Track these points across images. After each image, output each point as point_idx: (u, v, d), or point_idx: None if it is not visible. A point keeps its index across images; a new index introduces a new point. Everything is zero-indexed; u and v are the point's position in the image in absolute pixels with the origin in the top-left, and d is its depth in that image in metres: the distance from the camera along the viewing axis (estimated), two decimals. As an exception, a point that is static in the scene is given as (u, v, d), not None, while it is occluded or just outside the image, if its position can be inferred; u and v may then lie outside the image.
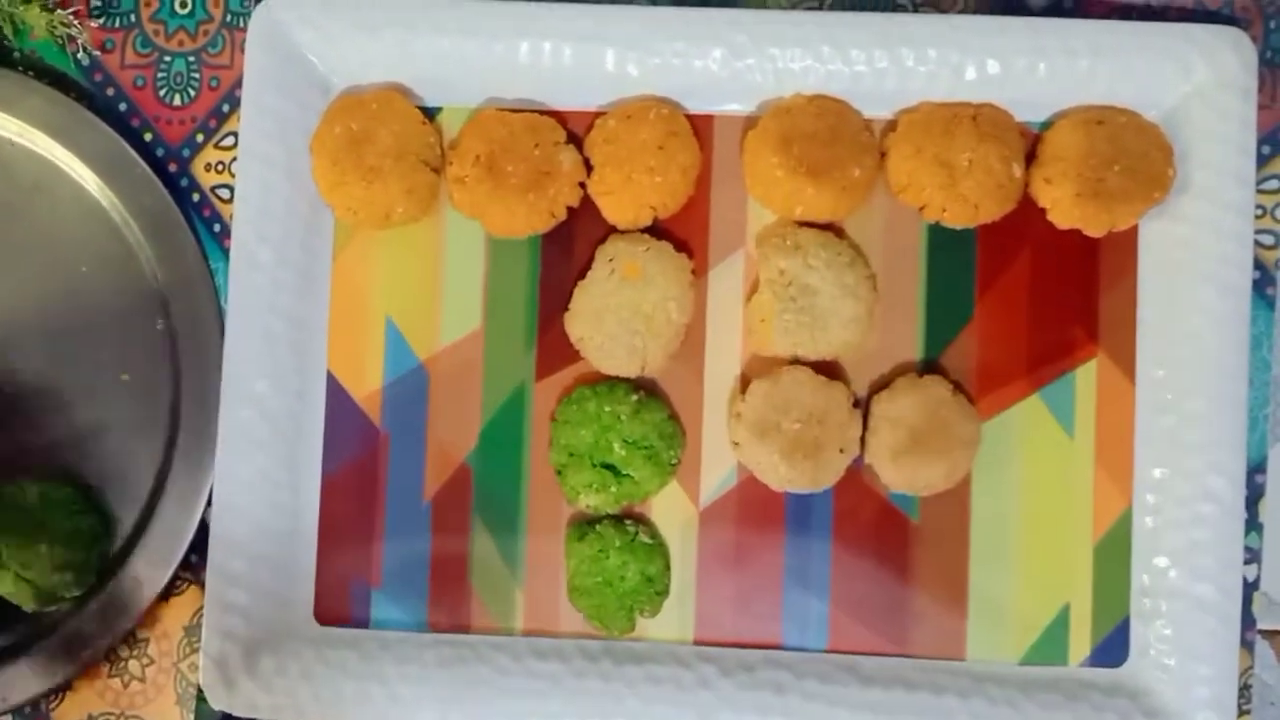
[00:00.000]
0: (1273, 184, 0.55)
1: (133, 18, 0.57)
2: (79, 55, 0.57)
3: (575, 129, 0.54)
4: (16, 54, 0.58)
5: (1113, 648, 0.53)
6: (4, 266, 0.57)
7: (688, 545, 0.53)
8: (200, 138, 0.57)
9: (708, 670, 0.52)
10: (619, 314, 0.52)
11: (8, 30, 0.57)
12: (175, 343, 0.55)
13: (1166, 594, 0.52)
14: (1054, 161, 0.51)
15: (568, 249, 0.54)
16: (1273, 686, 0.56)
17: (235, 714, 0.52)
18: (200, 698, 0.54)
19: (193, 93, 0.57)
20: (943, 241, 0.54)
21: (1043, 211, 0.53)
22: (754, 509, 0.53)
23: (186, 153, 0.57)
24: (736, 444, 0.52)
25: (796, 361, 0.52)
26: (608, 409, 0.52)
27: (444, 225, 0.55)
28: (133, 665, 0.56)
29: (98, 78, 0.58)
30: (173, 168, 0.57)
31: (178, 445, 0.55)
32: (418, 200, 0.53)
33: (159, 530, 0.55)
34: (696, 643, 0.53)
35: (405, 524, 0.54)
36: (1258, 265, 0.54)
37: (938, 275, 0.54)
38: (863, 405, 0.53)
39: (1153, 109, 0.52)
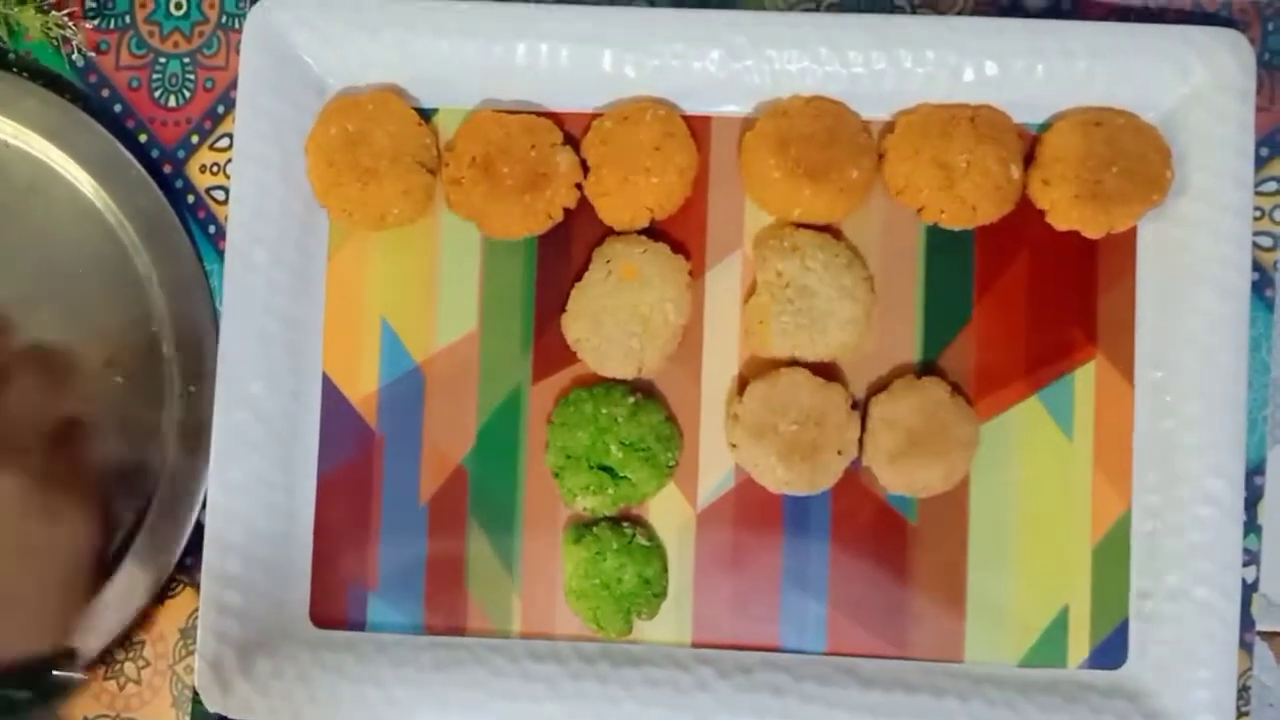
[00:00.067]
0: (1271, 186, 0.54)
1: (128, 19, 0.57)
2: (74, 57, 0.57)
3: (572, 130, 0.54)
4: (11, 55, 0.58)
5: (1111, 650, 0.52)
6: (-1, 268, 0.57)
7: (685, 547, 0.53)
8: (195, 139, 0.57)
9: (705, 673, 0.52)
10: (616, 316, 0.52)
11: (2, 32, 0.57)
12: (170, 344, 0.55)
13: (1165, 596, 0.52)
14: (1052, 163, 0.51)
15: (564, 250, 0.54)
16: (1271, 688, 0.56)
17: (231, 716, 0.52)
18: (196, 700, 0.54)
19: (188, 94, 0.57)
20: (941, 243, 0.54)
21: (1041, 213, 0.52)
22: (752, 511, 0.53)
23: (181, 154, 0.57)
24: (734, 446, 0.52)
25: (794, 363, 0.52)
26: (605, 411, 0.52)
27: (440, 227, 0.55)
28: (128, 668, 0.56)
29: (93, 79, 0.57)
30: (168, 169, 0.57)
31: (172, 447, 0.55)
32: (413, 202, 0.53)
33: (154, 532, 0.54)
34: (694, 645, 0.53)
35: (402, 526, 0.54)
36: (1256, 267, 0.53)
37: (936, 277, 0.54)
38: (861, 407, 0.53)
39: (1151, 111, 0.52)
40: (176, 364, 0.55)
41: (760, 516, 0.53)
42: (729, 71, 0.53)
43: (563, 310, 0.53)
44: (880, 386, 0.53)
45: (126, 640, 0.56)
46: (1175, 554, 0.51)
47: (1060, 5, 0.55)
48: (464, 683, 0.52)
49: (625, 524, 0.53)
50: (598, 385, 0.53)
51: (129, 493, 0.55)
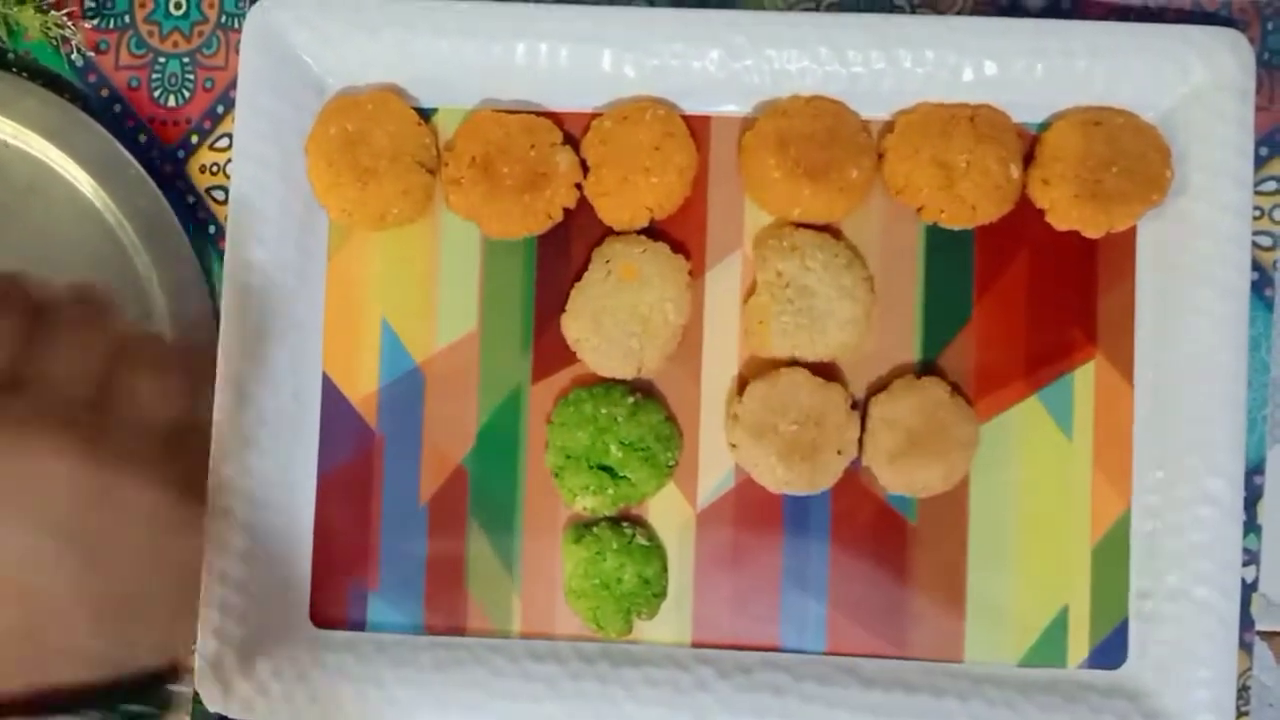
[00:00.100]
0: (1270, 185, 0.54)
1: (127, 19, 0.57)
2: (73, 57, 0.57)
3: (572, 130, 0.54)
4: (10, 55, 0.58)
5: (1111, 649, 0.52)
6: (-2, 268, 0.57)
7: (685, 547, 0.53)
8: (195, 139, 0.57)
9: (705, 672, 0.52)
10: (615, 316, 0.52)
11: (2, 31, 0.57)
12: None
13: (1165, 596, 0.52)
14: (1052, 163, 0.51)
15: (564, 250, 0.54)
16: (1271, 688, 0.56)
17: (231, 716, 0.52)
18: (196, 700, 0.54)
19: (187, 94, 0.57)
20: (940, 243, 0.54)
21: (1041, 213, 0.52)
22: (751, 511, 0.53)
23: (181, 154, 0.57)
24: (734, 446, 0.52)
25: (794, 363, 0.52)
26: (604, 411, 0.52)
27: (439, 227, 0.55)
28: (128, 668, 0.56)
29: (92, 79, 0.57)
30: (167, 169, 0.57)
31: (173, 448, 0.55)
32: (413, 201, 0.53)
33: (154, 533, 0.55)
34: (694, 645, 0.53)
35: (402, 526, 0.54)
36: (1256, 266, 0.53)
37: (935, 277, 0.54)
38: (860, 407, 0.53)
39: (1150, 110, 0.52)
40: (176, 364, 0.55)
41: (760, 516, 0.53)
42: (728, 71, 0.53)
43: (562, 310, 0.53)
44: (880, 386, 0.53)
45: (126, 640, 0.56)
46: (1175, 554, 0.51)
47: (1060, 5, 0.55)
48: (464, 682, 0.52)
49: (625, 524, 0.53)
50: (597, 385, 0.53)
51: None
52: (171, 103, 0.57)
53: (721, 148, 0.54)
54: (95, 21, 0.57)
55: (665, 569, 0.53)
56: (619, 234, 0.53)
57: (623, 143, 0.52)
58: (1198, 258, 0.51)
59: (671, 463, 0.53)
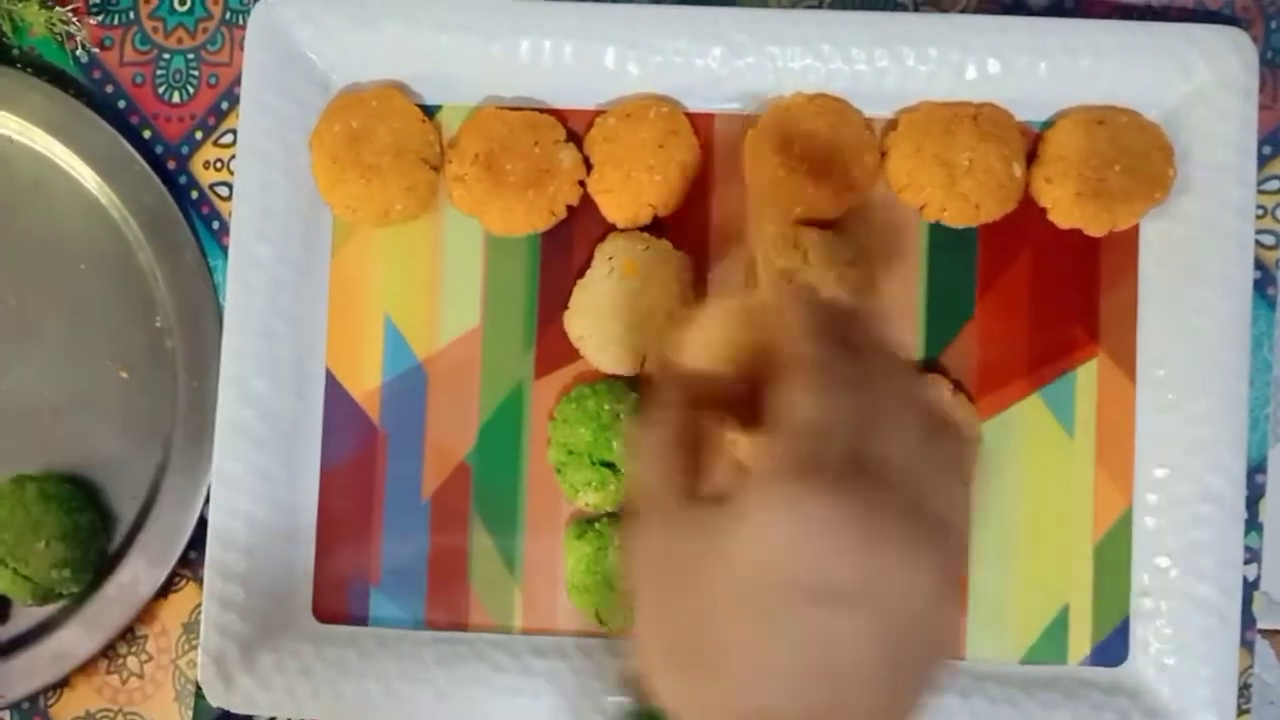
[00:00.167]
0: (1273, 184, 0.54)
1: (131, 15, 0.57)
2: (78, 52, 0.57)
3: (575, 127, 0.54)
4: (15, 51, 0.58)
5: (1113, 647, 0.53)
6: (2, 263, 0.57)
7: (687, 544, 0.53)
8: (199, 135, 0.57)
9: (706, 669, 0.52)
10: (618, 312, 0.52)
11: (6, 27, 0.57)
12: (173, 340, 0.55)
13: (1166, 594, 0.52)
14: (1055, 161, 0.51)
15: (567, 247, 0.54)
16: (1272, 686, 0.56)
17: (234, 711, 0.52)
18: (199, 695, 0.54)
19: (192, 90, 0.57)
20: (943, 241, 0.54)
21: (1043, 211, 0.52)
22: (753, 508, 0.53)
23: (185, 150, 0.57)
24: (734, 442, 0.52)
25: (796, 360, 0.52)
26: (607, 407, 0.52)
27: (443, 223, 0.55)
28: (131, 662, 0.56)
29: (96, 75, 0.57)
30: (171, 165, 0.57)
31: (176, 442, 0.55)
32: (417, 198, 0.53)
33: (157, 527, 0.55)
34: (695, 642, 0.53)
35: (404, 522, 0.54)
36: (1258, 265, 0.54)
37: (938, 275, 0.54)
38: (862, 404, 0.53)
39: (1153, 109, 0.52)
40: (180, 359, 0.55)
41: (762, 513, 0.53)
42: (732, 69, 0.53)
43: (565, 307, 0.53)
44: (882, 384, 0.53)
45: (129, 635, 0.56)
46: (1177, 551, 0.52)
47: (1063, 3, 0.55)
48: (465, 678, 0.52)
49: (627, 520, 0.53)
50: (600, 381, 0.53)
51: (132, 488, 0.56)
52: (176, 99, 0.57)
53: (724, 145, 0.54)
54: (100, 18, 0.57)
55: (667, 565, 0.53)
56: (622, 231, 0.54)
57: (626, 140, 0.52)
58: (1200, 256, 0.51)
59: (674, 459, 0.53)
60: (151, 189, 0.55)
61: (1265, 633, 0.55)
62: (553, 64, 0.53)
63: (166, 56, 0.57)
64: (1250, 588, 0.53)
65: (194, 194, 0.57)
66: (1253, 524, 0.53)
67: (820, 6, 0.55)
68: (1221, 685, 0.50)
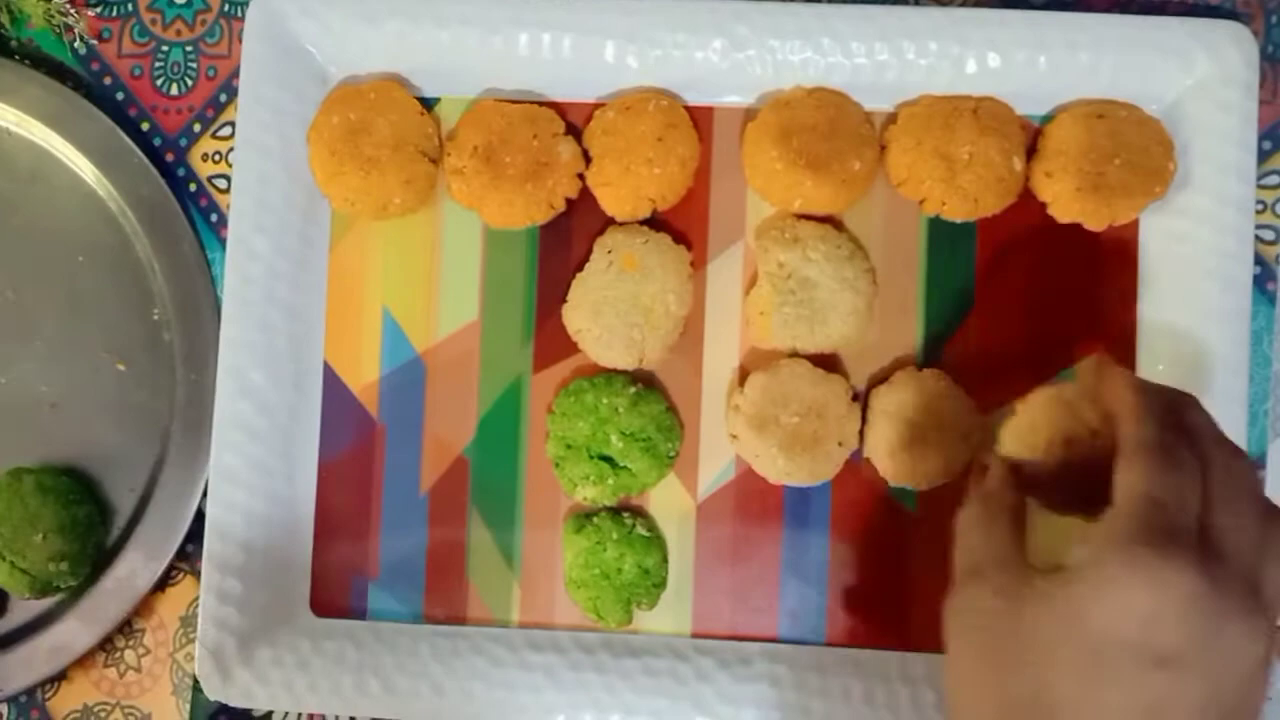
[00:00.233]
0: (1273, 179, 0.54)
1: (130, 7, 0.57)
2: (76, 44, 0.57)
3: (574, 120, 0.54)
4: (14, 43, 0.58)
5: (1110, 643, 0.52)
6: (0, 255, 0.57)
7: (685, 538, 0.53)
8: (197, 127, 0.57)
9: (705, 663, 0.52)
10: (617, 306, 0.52)
11: (5, 19, 0.57)
12: (171, 332, 0.55)
13: (1164, 589, 0.52)
14: (1054, 155, 0.51)
15: (566, 241, 0.54)
16: (1272, 684, 0.56)
17: (231, 704, 0.52)
18: (196, 688, 0.54)
19: (190, 82, 0.57)
20: (943, 235, 0.53)
21: (1043, 205, 0.52)
22: (752, 502, 0.53)
23: (184, 142, 0.57)
24: (735, 437, 0.52)
25: (795, 354, 0.52)
26: (605, 401, 0.52)
27: (441, 216, 0.55)
28: (129, 655, 0.56)
29: (95, 67, 0.57)
30: (170, 157, 0.57)
31: (173, 435, 0.55)
32: (415, 191, 0.53)
33: (155, 520, 0.55)
34: (694, 635, 0.53)
35: (402, 516, 0.54)
36: (1258, 260, 0.53)
37: (937, 269, 0.54)
38: (861, 399, 0.53)
39: (1154, 103, 0.52)
40: (178, 352, 0.55)
41: (760, 507, 0.53)
42: (731, 62, 0.53)
43: (564, 300, 0.53)
44: (881, 378, 0.53)
45: (127, 628, 0.56)
46: (1175, 547, 0.51)
47: (1063, -3, 0.55)
48: (464, 672, 0.52)
49: (625, 514, 0.53)
50: (598, 375, 0.53)
51: (130, 480, 0.56)
52: (174, 91, 0.57)
53: (724, 138, 0.54)
54: (98, 9, 0.57)
55: (665, 559, 0.53)
56: (621, 224, 0.53)
57: (625, 133, 0.52)
58: (1200, 251, 0.51)
59: (672, 453, 0.53)
60: (149, 181, 0.55)
61: (1264, 628, 0.55)
62: (552, 57, 0.53)
63: (165, 49, 0.57)
64: (1249, 583, 0.53)
65: (192, 186, 0.57)
66: (1251, 519, 0.53)
67: (820, 0, 0.55)
68: (1220, 680, 0.50)
